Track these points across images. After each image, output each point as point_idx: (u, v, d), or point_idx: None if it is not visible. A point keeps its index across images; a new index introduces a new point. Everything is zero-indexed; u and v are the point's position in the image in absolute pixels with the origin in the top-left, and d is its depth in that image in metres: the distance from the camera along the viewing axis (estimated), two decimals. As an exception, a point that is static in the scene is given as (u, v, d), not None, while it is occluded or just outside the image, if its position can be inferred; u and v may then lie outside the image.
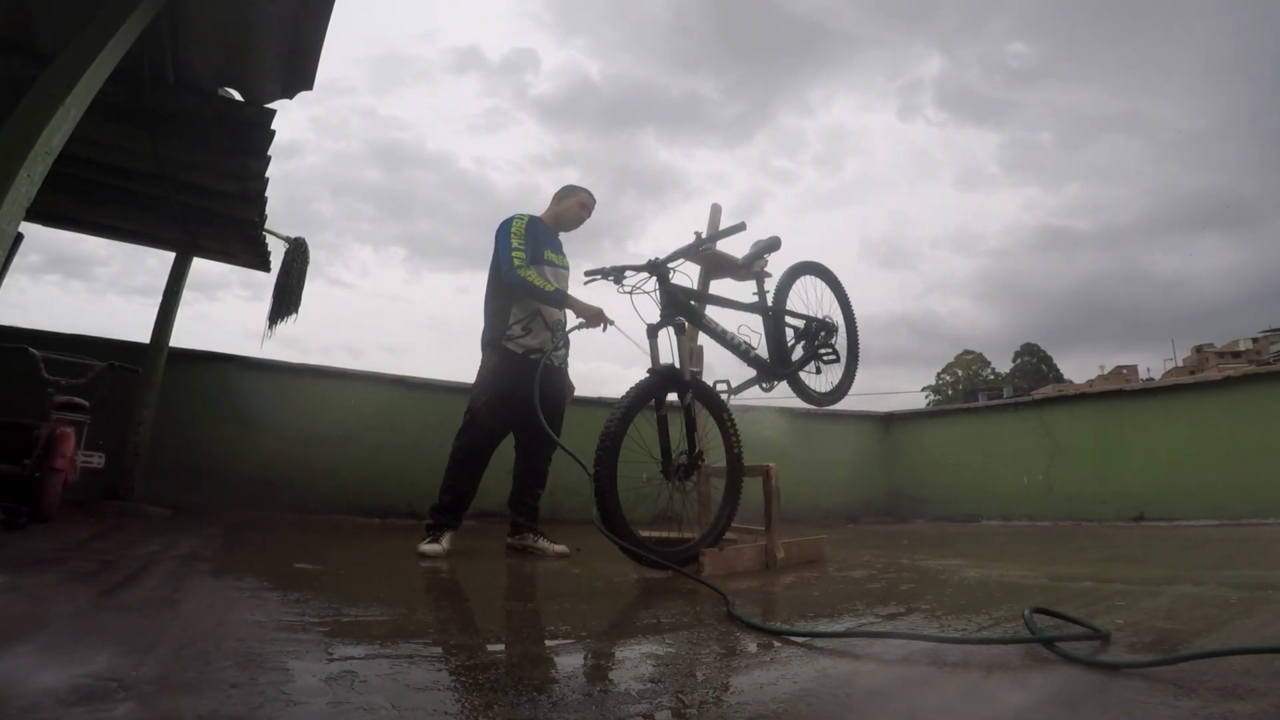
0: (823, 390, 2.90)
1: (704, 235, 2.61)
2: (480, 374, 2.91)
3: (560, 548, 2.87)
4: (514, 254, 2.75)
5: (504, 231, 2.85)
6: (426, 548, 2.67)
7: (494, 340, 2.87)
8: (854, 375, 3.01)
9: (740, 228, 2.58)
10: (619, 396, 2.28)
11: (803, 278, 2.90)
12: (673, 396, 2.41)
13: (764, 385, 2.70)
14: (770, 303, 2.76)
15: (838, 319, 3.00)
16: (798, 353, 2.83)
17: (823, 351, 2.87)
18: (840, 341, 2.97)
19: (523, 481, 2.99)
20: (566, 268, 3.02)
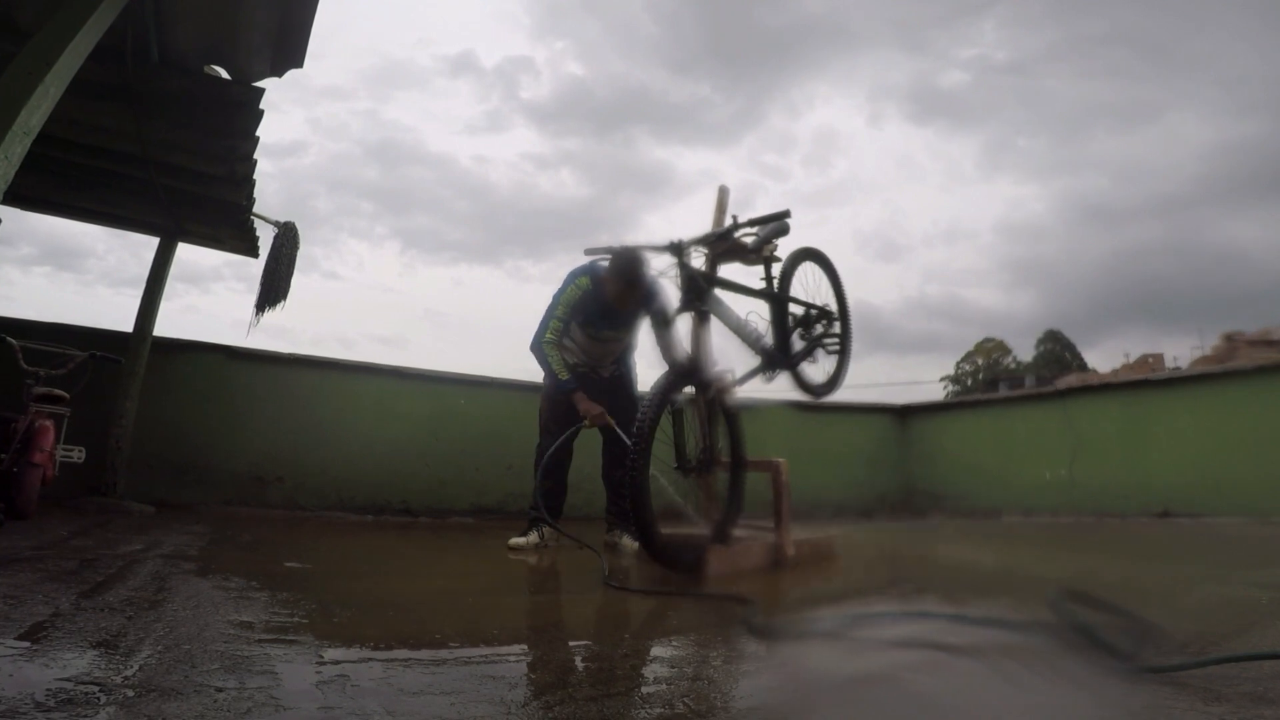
0: (819, 381, 2.87)
1: (740, 219, 2.55)
2: (543, 380, 3.13)
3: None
4: (550, 324, 2.87)
5: (559, 291, 2.91)
6: (515, 540, 2.86)
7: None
8: (848, 365, 2.99)
9: (784, 214, 2.53)
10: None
11: (803, 265, 2.87)
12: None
13: (766, 376, 2.67)
14: (775, 289, 2.73)
15: (833, 307, 2.98)
16: (798, 342, 2.80)
17: (827, 340, 2.84)
18: (836, 330, 2.95)
19: (608, 486, 3.13)
20: (617, 340, 2.98)
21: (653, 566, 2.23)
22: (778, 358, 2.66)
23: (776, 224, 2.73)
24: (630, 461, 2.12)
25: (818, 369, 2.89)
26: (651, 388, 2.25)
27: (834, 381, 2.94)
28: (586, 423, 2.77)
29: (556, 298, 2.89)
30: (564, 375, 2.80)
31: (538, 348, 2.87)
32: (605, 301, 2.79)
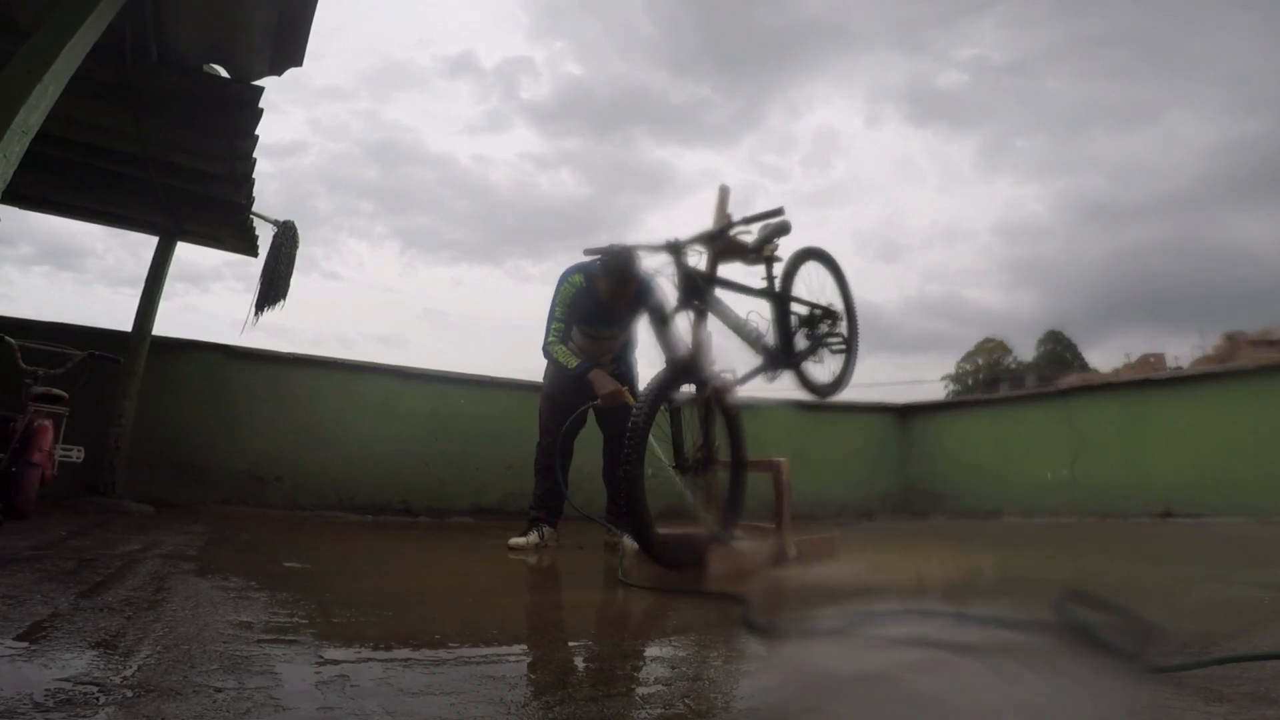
0: (824, 381, 2.88)
1: (736, 218, 2.57)
2: (544, 378, 3.14)
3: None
4: (553, 327, 2.87)
5: (555, 292, 2.93)
6: (514, 540, 2.86)
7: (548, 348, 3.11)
8: (854, 365, 2.98)
9: (778, 212, 2.53)
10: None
11: (806, 264, 2.87)
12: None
13: (769, 375, 2.67)
14: (777, 289, 2.74)
15: (838, 306, 2.99)
16: (801, 342, 2.81)
17: (831, 340, 2.85)
18: (842, 330, 2.96)
19: (609, 486, 3.13)
20: (613, 337, 2.99)
21: (654, 566, 2.22)
22: (779, 357, 2.66)
23: (778, 223, 2.73)
24: (624, 458, 2.10)
25: (824, 369, 2.89)
26: (647, 385, 2.25)
27: (840, 381, 2.93)
28: (599, 401, 2.69)
29: (553, 300, 2.91)
30: (573, 363, 2.79)
31: (545, 351, 2.91)
32: (600, 300, 2.81)
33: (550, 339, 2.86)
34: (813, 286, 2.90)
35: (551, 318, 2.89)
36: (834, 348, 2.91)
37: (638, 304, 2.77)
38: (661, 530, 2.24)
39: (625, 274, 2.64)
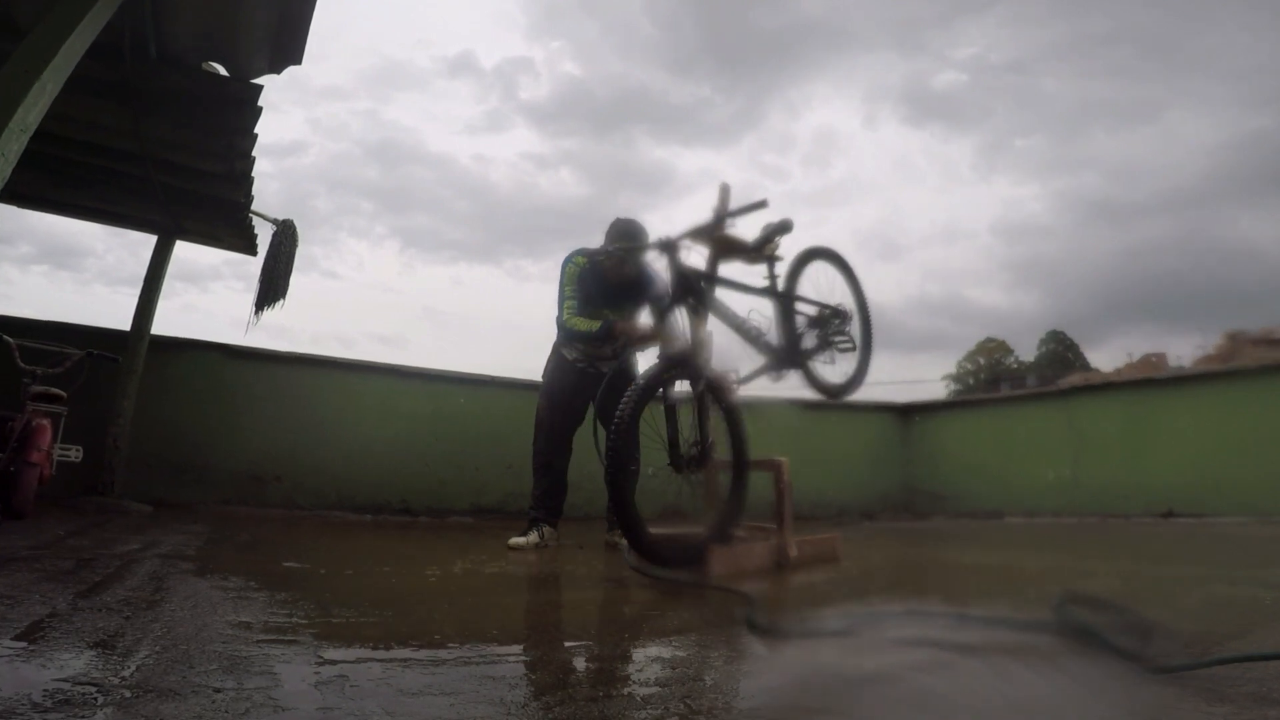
0: (836, 382, 2.86)
1: (721, 213, 2.58)
2: (542, 377, 3.18)
3: None
4: (565, 303, 2.95)
5: (561, 273, 3.03)
6: (514, 540, 2.86)
7: (555, 345, 3.16)
8: (868, 365, 2.95)
9: (762, 204, 2.55)
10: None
11: (813, 263, 2.86)
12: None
13: (773, 375, 2.66)
14: (781, 288, 2.72)
15: (850, 306, 2.96)
16: (809, 342, 2.79)
17: (838, 339, 2.83)
18: (853, 330, 2.93)
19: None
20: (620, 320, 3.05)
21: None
22: (783, 356, 2.65)
23: (779, 222, 2.72)
24: (608, 449, 2.08)
25: (836, 369, 2.86)
26: (638, 377, 2.24)
27: (853, 382, 2.90)
28: (635, 346, 2.77)
29: (561, 280, 2.99)
30: (594, 326, 2.86)
31: (562, 325, 2.96)
32: (603, 281, 2.92)
33: (566, 313, 2.93)
34: (821, 287, 2.88)
35: (563, 296, 2.97)
36: (841, 347, 2.87)
37: (642, 288, 2.85)
38: (656, 530, 2.23)
39: (634, 235, 2.83)
